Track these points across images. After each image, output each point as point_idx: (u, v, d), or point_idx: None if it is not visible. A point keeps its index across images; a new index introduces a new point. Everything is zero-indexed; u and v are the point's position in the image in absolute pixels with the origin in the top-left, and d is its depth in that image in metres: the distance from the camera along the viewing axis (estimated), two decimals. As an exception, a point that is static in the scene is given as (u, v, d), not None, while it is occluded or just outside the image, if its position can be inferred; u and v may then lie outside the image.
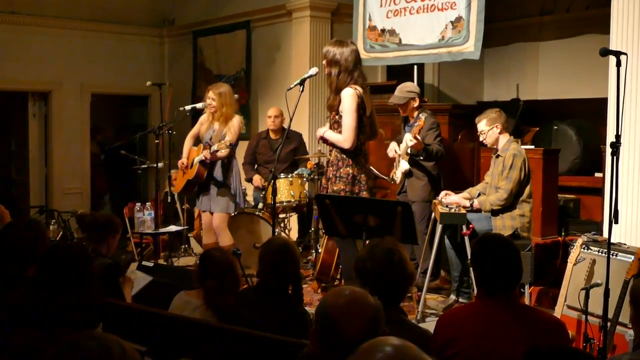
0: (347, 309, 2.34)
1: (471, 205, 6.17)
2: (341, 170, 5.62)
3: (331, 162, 5.70)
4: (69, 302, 2.93)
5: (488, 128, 6.20)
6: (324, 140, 5.78)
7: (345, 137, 5.55)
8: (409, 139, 6.42)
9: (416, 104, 6.85)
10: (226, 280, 4.05)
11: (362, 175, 5.65)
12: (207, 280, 4.05)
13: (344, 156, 5.62)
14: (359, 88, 5.57)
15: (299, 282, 4.12)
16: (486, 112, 6.28)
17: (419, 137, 6.38)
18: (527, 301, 5.76)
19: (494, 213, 6.08)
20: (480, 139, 6.36)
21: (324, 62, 5.69)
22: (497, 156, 6.21)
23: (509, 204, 6.04)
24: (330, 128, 5.74)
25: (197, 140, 7.08)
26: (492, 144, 6.26)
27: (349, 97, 5.52)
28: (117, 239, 4.93)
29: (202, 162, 6.71)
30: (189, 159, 6.91)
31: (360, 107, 5.56)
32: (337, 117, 5.64)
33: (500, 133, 6.19)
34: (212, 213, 6.86)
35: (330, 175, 5.68)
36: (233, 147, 6.76)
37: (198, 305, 4.05)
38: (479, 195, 6.31)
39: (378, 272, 3.20)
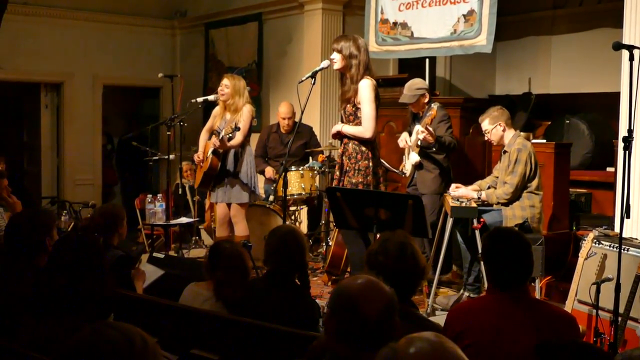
0: (366, 291, 2.38)
1: (479, 197, 6.18)
2: (360, 163, 5.64)
3: (348, 155, 5.70)
4: (80, 293, 2.95)
5: (491, 127, 6.19)
6: (341, 135, 5.78)
7: (366, 127, 5.57)
8: (420, 130, 6.40)
9: (426, 99, 6.82)
10: (235, 271, 4.06)
11: (379, 168, 5.71)
12: (216, 272, 4.06)
13: (363, 149, 5.63)
14: (373, 79, 5.61)
15: (305, 270, 4.12)
16: (488, 111, 6.27)
17: (430, 129, 6.36)
18: (537, 295, 5.76)
19: (504, 204, 6.08)
20: (485, 137, 6.36)
21: (339, 56, 5.67)
22: (504, 152, 6.21)
23: (515, 197, 6.05)
24: (345, 122, 5.75)
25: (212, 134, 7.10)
26: (497, 141, 6.26)
27: (367, 87, 5.55)
28: (125, 225, 4.96)
29: (214, 152, 6.72)
30: (205, 153, 6.91)
31: (377, 98, 5.59)
32: (352, 109, 5.65)
33: (504, 130, 6.18)
34: (228, 205, 6.87)
35: (348, 168, 5.69)
36: (246, 136, 6.78)
37: (208, 297, 4.07)
38: (489, 188, 6.30)
39: (390, 266, 3.20)
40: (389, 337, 1.98)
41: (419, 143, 6.63)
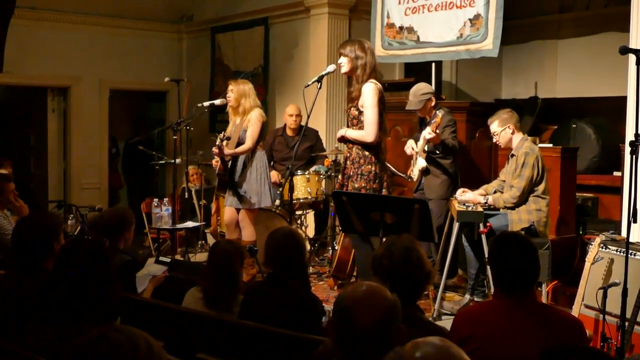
0: (363, 300, 2.37)
1: (486, 202, 6.16)
2: (363, 167, 5.64)
3: (352, 159, 5.70)
4: (86, 297, 2.95)
5: (500, 129, 6.17)
6: (345, 140, 5.78)
7: (367, 131, 5.58)
8: (427, 133, 6.41)
9: (432, 103, 6.82)
10: (220, 270, 4.08)
11: (383, 173, 5.70)
12: (205, 273, 4.10)
13: (367, 153, 5.63)
14: (378, 83, 5.61)
15: (305, 270, 4.13)
16: (498, 113, 6.25)
17: (438, 132, 6.37)
18: (544, 300, 5.74)
19: (510, 208, 6.07)
20: (494, 140, 6.33)
21: (345, 59, 5.68)
22: (512, 155, 6.19)
23: (522, 201, 6.03)
24: (349, 125, 5.75)
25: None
26: (505, 144, 6.24)
27: (370, 91, 5.56)
28: (132, 231, 4.95)
29: (220, 158, 6.76)
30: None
31: (381, 102, 5.59)
32: (355, 112, 5.65)
33: (512, 133, 6.16)
34: (238, 209, 6.88)
35: (351, 173, 5.69)
36: (256, 142, 6.79)
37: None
38: (495, 192, 6.29)
39: (396, 270, 3.20)
40: (388, 346, 1.98)
41: (425, 148, 6.63)
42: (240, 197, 6.79)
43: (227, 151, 6.64)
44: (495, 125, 6.21)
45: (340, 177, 5.85)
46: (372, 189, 5.62)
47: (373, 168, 5.64)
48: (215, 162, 6.95)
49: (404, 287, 3.11)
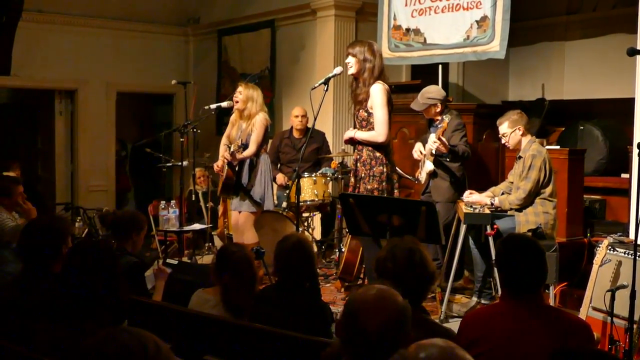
0: (372, 304, 2.36)
1: (492, 203, 6.14)
2: (374, 169, 5.64)
3: (362, 161, 5.70)
4: (94, 299, 2.96)
5: (510, 130, 6.12)
6: (353, 141, 5.78)
7: (379, 131, 5.58)
8: (432, 140, 6.39)
9: (438, 109, 6.78)
10: (242, 276, 4.06)
11: (394, 174, 5.71)
12: (223, 277, 4.06)
13: (377, 154, 5.64)
14: (386, 85, 5.62)
15: (316, 278, 4.12)
16: (507, 114, 6.20)
17: (443, 139, 6.34)
18: (551, 302, 5.73)
19: (518, 210, 6.04)
20: (502, 141, 6.27)
21: (353, 59, 5.68)
22: (519, 157, 6.15)
23: (528, 203, 6.01)
24: (358, 128, 5.75)
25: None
26: (514, 146, 6.19)
27: (379, 91, 5.56)
28: (142, 236, 4.92)
29: (228, 163, 6.77)
30: (223, 161, 6.95)
31: (389, 103, 5.59)
32: (365, 114, 5.65)
33: (522, 135, 6.11)
34: (240, 212, 6.91)
35: (363, 175, 5.69)
36: (260, 145, 6.80)
37: (216, 302, 4.06)
38: (502, 194, 6.27)
39: (399, 272, 3.20)
40: (394, 351, 1.97)
41: (433, 152, 6.61)
42: (247, 200, 6.81)
43: (238, 156, 6.68)
44: (504, 127, 6.15)
45: (352, 179, 5.84)
46: (384, 189, 5.63)
47: (384, 169, 5.65)
48: (217, 165, 6.96)
49: (408, 289, 3.10)
